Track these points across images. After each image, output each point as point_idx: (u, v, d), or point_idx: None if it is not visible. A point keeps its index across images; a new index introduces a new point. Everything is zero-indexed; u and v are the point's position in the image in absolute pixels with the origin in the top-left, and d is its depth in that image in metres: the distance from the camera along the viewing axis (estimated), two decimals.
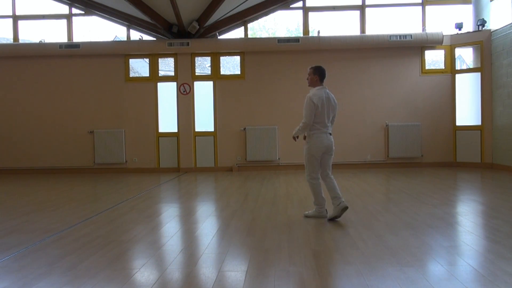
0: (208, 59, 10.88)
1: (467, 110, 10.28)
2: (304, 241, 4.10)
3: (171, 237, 4.42)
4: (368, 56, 10.47)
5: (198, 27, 10.24)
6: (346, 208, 4.84)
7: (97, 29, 11.55)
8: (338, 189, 4.92)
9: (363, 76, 10.49)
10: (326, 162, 4.98)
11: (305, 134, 5.02)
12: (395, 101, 10.44)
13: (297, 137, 5.19)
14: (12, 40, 11.04)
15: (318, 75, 4.93)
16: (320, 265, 3.38)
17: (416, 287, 2.90)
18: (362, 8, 10.60)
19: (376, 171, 9.79)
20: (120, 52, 10.60)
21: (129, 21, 10.83)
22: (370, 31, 10.56)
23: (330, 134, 4.97)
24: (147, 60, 10.90)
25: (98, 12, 10.84)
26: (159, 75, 10.86)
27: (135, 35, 11.02)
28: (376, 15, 10.74)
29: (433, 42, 10.12)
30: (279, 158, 10.46)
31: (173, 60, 10.79)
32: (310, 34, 10.66)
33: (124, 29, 11.05)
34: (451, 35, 10.29)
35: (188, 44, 10.31)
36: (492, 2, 9.91)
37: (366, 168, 10.36)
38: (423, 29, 10.42)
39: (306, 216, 5.12)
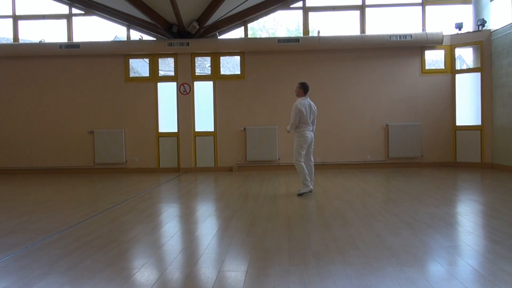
0: (208, 59, 10.88)
1: (467, 110, 10.28)
2: (304, 241, 4.10)
3: (171, 237, 4.42)
4: (368, 56, 10.47)
5: (198, 27, 10.24)
6: (311, 191, 6.70)
7: (97, 29, 11.55)
8: (313, 175, 6.94)
9: (363, 76, 10.49)
10: (310, 150, 6.88)
11: (294, 130, 6.82)
12: (395, 101, 10.44)
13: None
14: (12, 40, 11.04)
15: (303, 89, 6.81)
16: (320, 265, 3.38)
17: (416, 287, 2.90)
18: (362, 8, 10.60)
19: (376, 171, 9.79)
20: (120, 52, 10.60)
21: (129, 21, 10.82)
22: (370, 31, 10.56)
23: (312, 131, 6.84)
24: (147, 60, 10.90)
25: (98, 12, 10.84)
26: (159, 75, 10.86)
27: (135, 35, 11.02)
28: (376, 15, 10.74)
29: (433, 42, 10.12)
30: (279, 158, 10.46)
31: (173, 60, 10.79)
32: (310, 34, 10.66)
33: (124, 29, 11.05)
34: (451, 35, 10.29)
35: (188, 44, 10.31)
36: (492, 2, 9.91)
37: (366, 168, 10.36)
38: (423, 29, 10.41)
39: (299, 194, 6.60)
